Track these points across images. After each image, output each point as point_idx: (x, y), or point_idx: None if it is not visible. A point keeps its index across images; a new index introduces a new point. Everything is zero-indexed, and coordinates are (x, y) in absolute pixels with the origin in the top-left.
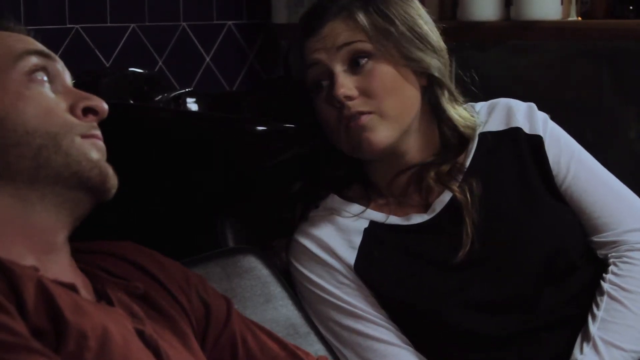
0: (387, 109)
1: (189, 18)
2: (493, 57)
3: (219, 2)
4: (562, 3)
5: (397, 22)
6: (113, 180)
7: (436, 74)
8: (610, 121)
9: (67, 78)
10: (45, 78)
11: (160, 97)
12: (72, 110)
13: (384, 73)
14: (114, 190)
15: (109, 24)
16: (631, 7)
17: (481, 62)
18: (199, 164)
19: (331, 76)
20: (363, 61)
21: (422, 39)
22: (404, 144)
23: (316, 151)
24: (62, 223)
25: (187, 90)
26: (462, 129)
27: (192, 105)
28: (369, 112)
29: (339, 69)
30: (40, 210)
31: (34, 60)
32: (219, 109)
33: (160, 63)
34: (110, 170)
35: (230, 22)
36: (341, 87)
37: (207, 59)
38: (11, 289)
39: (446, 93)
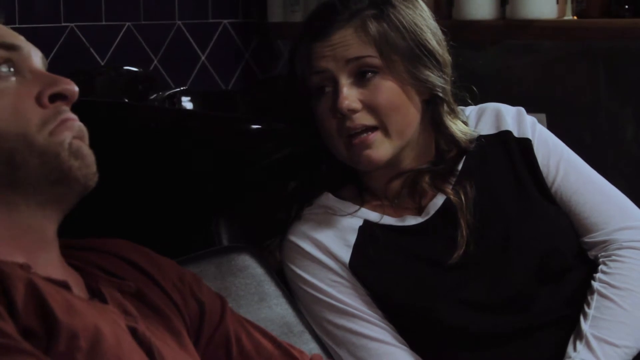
0: (390, 125)
1: (184, 17)
2: (488, 57)
3: (214, 1)
4: (557, 2)
5: (407, 37)
6: (91, 167)
7: (440, 94)
8: (607, 121)
9: (36, 61)
10: (12, 69)
11: (155, 95)
12: (38, 100)
13: (389, 89)
14: (96, 177)
15: (104, 23)
16: (627, 6)
17: (476, 62)
18: (193, 162)
19: (336, 85)
20: (369, 75)
21: (430, 56)
22: (401, 155)
23: (311, 151)
24: (49, 219)
25: (182, 89)
26: (462, 144)
27: (187, 103)
28: (373, 128)
29: (344, 80)
30: (25, 210)
31: None
32: (214, 107)
33: (155, 62)
34: (87, 150)
35: (225, 21)
36: (345, 99)
37: (203, 58)
38: (0, 289)
39: (446, 107)
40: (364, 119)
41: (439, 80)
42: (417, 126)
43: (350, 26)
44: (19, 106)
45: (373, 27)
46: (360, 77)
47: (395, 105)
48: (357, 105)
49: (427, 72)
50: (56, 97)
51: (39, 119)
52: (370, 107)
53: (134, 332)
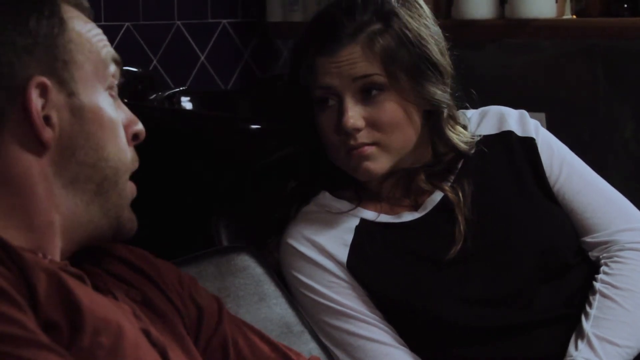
0: (391, 143)
1: (184, 16)
2: (488, 56)
3: (213, 1)
4: (557, 1)
5: (413, 52)
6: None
7: (445, 110)
8: (606, 120)
9: None
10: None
11: (154, 95)
12: (125, 133)
13: (393, 106)
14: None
15: (103, 23)
16: (626, 5)
17: (476, 61)
18: (193, 162)
19: (340, 100)
20: (375, 92)
21: (433, 69)
22: (398, 162)
23: (310, 151)
24: (80, 245)
25: (181, 88)
26: (462, 150)
27: (186, 103)
28: (372, 144)
29: (349, 98)
30: (91, 218)
31: (113, 69)
32: (213, 107)
33: (154, 62)
34: (135, 219)
35: (225, 21)
36: (350, 118)
37: (202, 58)
38: (23, 280)
39: (446, 116)
40: (366, 137)
41: (442, 96)
42: (415, 139)
43: (357, 43)
44: (122, 137)
45: (379, 44)
46: (365, 94)
47: (398, 123)
48: (361, 123)
49: (432, 89)
50: (135, 137)
51: (131, 160)
52: (373, 125)
53: (147, 334)
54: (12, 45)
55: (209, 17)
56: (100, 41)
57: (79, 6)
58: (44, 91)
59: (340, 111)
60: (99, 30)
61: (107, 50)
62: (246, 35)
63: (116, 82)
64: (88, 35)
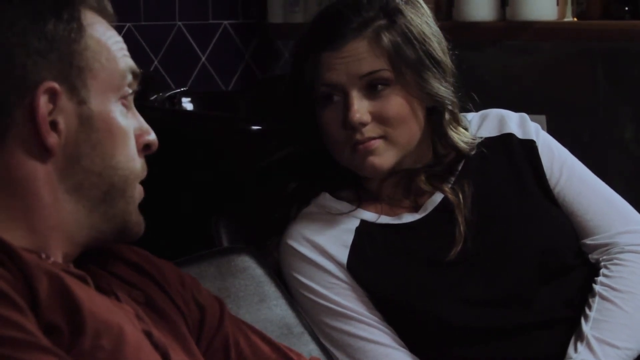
0: (396, 137)
1: (185, 17)
2: (488, 58)
3: (214, 2)
4: (557, 4)
5: (418, 48)
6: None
7: (448, 106)
8: (606, 122)
9: None
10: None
11: (155, 96)
12: (139, 145)
13: (399, 101)
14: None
15: None
16: (627, 8)
17: (477, 63)
18: (193, 162)
19: (345, 96)
20: (380, 87)
21: (437, 66)
22: (401, 160)
23: (310, 151)
24: (86, 247)
25: (182, 89)
26: (463, 151)
27: (187, 104)
28: (378, 137)
29: (355, 93)
30: (92, 224)
31: (130, 79)
32: (214, 108)
33: (155, 62)
34: (142, 222)
35: (226, 22)
36: (357, 112)
37: (203, 59)
38: (24, 283)
39: (449, 116)
40: (373, 131)
41: (446, 92)
42: (420, 135)
43: (363, 38)
44: (133, 145)
45: (386, 39)
46: (371, 89)
47: (403, 117)
48: (367, 118)
49: (436, 84)
50: (146, 147)
51: (140, 168)
52: (379, 119)
53: (149, 336)
54: (26, 47)
55: (210, 18)
56: (119, 50)
57: (102, 12)
58: (53, 97)
59: (346, 106)
60: (120, 39)
61: (125, 60)
62: (247, 36)
63: (131, 91)
64: (107, 43)
